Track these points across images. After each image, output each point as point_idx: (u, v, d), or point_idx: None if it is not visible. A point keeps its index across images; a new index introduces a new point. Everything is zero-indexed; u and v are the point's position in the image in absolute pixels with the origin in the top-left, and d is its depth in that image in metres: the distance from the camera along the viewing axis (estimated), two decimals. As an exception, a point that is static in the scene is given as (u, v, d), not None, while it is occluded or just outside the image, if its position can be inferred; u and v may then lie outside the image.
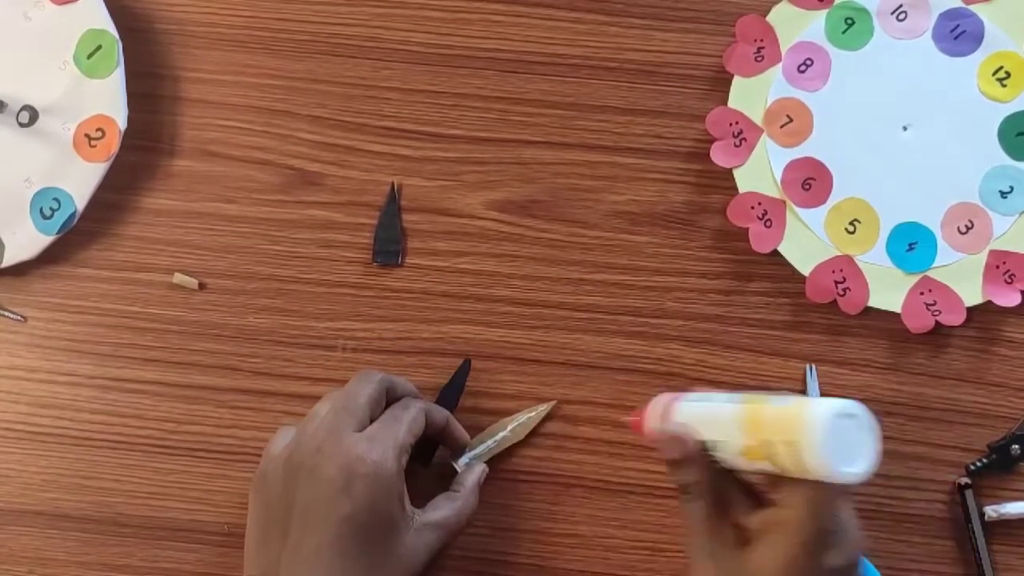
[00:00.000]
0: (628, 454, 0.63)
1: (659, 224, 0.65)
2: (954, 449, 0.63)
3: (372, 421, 0.56)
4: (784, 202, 0.64)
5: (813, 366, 0.64)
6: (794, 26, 0.65)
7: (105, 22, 0.65)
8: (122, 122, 0.64)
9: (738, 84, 0.65)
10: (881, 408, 0.63)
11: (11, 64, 0.66)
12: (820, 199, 0.64)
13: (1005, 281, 0.62)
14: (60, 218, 0.64)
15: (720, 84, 0.66)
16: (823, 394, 0.63)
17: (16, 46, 0.66)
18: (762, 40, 0.65)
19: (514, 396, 0.63)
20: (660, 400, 0.55)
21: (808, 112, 0.65)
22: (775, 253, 0.63)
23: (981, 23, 0.65)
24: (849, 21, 0.65)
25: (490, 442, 0.62)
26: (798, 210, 0.64)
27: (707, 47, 0.67)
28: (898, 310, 0.62)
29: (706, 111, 0.65)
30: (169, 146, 0.67)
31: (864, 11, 0.65)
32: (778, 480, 0.50)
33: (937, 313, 0.62)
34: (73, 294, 0.65)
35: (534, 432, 0.63)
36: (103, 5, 0.65)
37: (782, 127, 0.65)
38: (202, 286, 0.65)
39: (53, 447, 0.64)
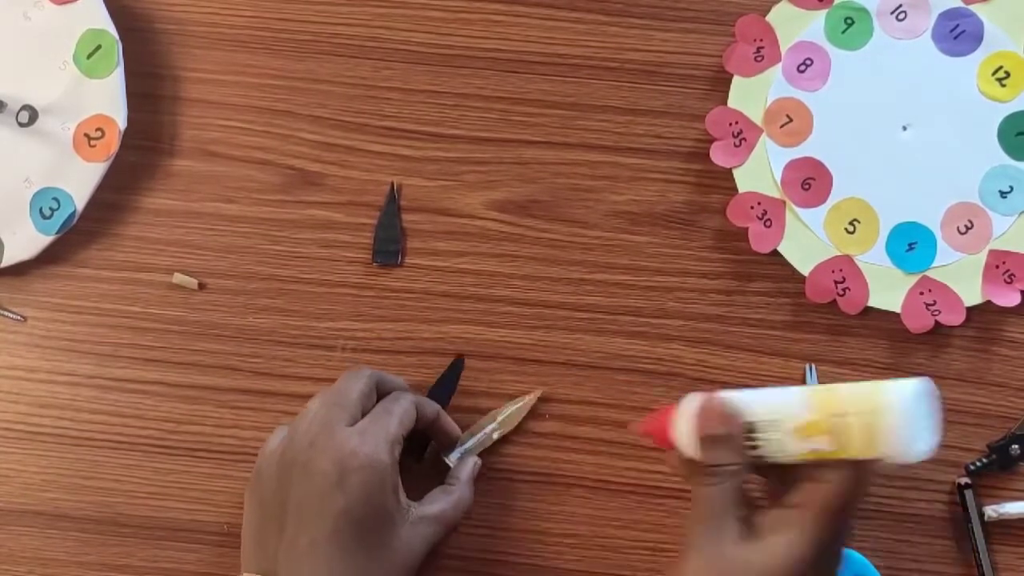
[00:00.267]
0: (628, 454, 0.63)
1: (659, 224, 0.65)
2: (954, 449, 0.63)
3: (364, 416, 0.56)
4: (784, 202, 0.64)
5: (813, 366, 0.64)
6: (794, 26, 0.65)
7: (105, 22, 0.65)
8: (122, 122, 0.64)
9: (738, 84, 0.65)
10: (881, 408, 0.63)
11: (11, 64, 0.66)
12: (820, 199, 0.64)
13: (1005, 281, 0.63)
14: (60, 218, 0.64)
15: (720, 84, 0.66)
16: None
17: (16, 46, 0.66)
18: (762, 40, 0.65)
19: (514, 396, 0.63)
20: (693, 397, 0.54)
21: (808, 112, 0.65)
22: (775, 253, 0.64)
23: (981, 23, 0.65)
24: (849, 21, 0.65)
25: (480, 435, 0.62)
26: (798, 210, 0.64)
27: (707, 47, 0.67)
28: (898, 310, 0.62)
29: (706, 111, 0.65)
30: (169, 146, 0.67)
31: (864, 11, 0.65)
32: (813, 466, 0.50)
33: (937, 313, 0.62)
34: (73, 294, 0.65)
35: (534, 432, 0.63)
36: (103, 5, 0.65)
37: (782, 127, 0.65)
38: (202, 286, 0.65)
39: (53, 447, 0.64)
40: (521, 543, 0.62)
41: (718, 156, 0.64)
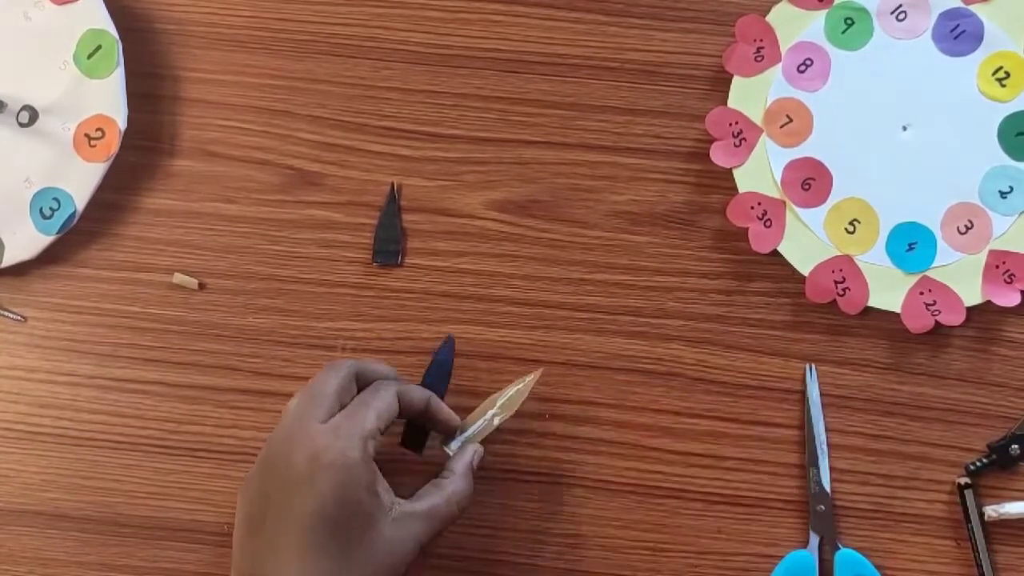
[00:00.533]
0: (628, 454, 0.63)
1: (659, 224, 0.65)
2: (954, 449, 0.63)
3: (343, 409, 0.55)
4: (784, 202, 0.64)
5: (813, 366, 0.64)
6: (794, 26, 0.65)
7: (105, 22, 0.65)
8: (122, 122, 0.64)
9: (738, 84, 0.65)
10: (881, 408, 0.63)
11: (11, 64, 0.66)
12: (820, 199, 0.64)
13: (1005, 281, 0.62)
14: (60, 218, 0.64)
15: (720, 84, 0.66)
16: (824, 394, 0.63)
17: (16, 46, 0.66)
18: (762, 40, 0.65)
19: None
20: None
21: (808, 112, 0.65)
22: (775, 253, 0.63)
23: (981, 23, 0.65)
24: (849, 21, 0.65)
25: (480, 422, 0.59)
26: (798, 210, 0.64)
27: (707, 47, 0.67)
28: (898, 310, 0.62)
29: (706, 111, 0.65)
30: (169, 146, 0.67)
31: (864, 11, 0.65)
32: None
33: (937, 313, 0.62)
34: (73, 294, 0.65)
35: (534, 432, 0.63)
36: (103, 5, 0.65)
37: (782, 127, 0.65)
38: (202, 286, 0.65)
39: (53, 447, 0.64)
40: (521, 543, 0.63)
41: (718, 156, 0.64)
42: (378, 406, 0.54)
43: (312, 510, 0.52)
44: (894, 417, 0.63)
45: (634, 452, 0.63)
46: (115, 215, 0.66)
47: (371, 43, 0.67)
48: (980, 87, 0.64)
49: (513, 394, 0.60)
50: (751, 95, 0.65)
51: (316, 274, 0.65)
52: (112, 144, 0.64)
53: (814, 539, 0.61)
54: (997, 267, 0.63)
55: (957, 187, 0.64)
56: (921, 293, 0.63)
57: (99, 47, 0.65)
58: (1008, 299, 0.62)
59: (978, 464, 0.62)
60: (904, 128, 0.64)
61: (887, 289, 0.63)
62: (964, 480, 0.62)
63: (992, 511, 0.61)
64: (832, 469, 0.62)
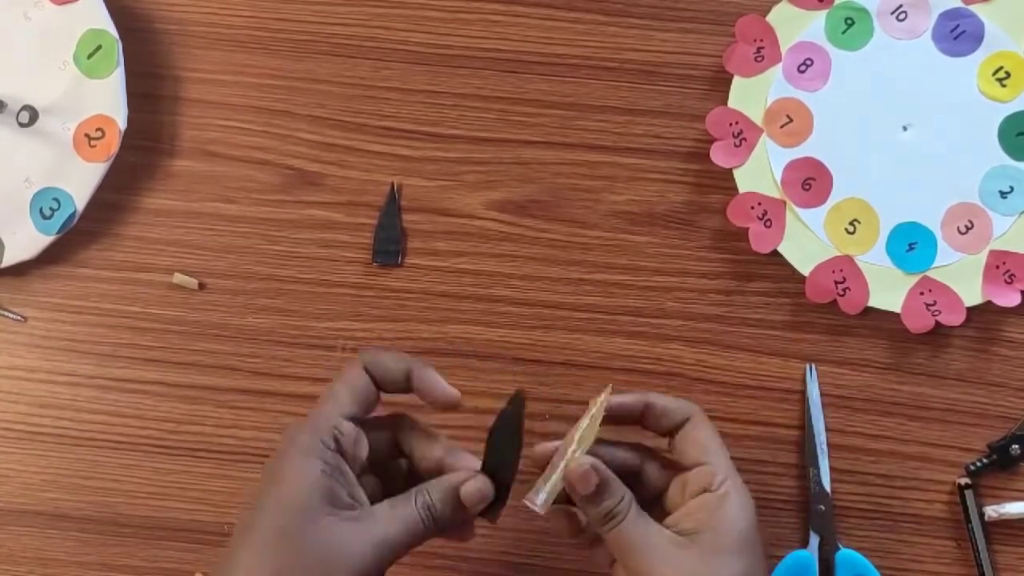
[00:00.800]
0: (628, 454, 0.63)
1: (659, 224, 0.65)
2: (954, 449, 0.63)
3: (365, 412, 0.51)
4: (784, 202, 0.64)
5: (813, 366, 0.64)
6: (794, 26, 0.65)
7: (105, 22, 0.65)
8: (122, 122, 0.64)
9: (738, 84, 0.65)
10: (881, 408, 0.63)
11: (11, 64, 0.66)
12: (820, 199, 0.64)
13: (1005, 281, 0.62)
14: (60, 218, 0.64)
15: (720, 84, 0.66)
16: (823, 394, 0.63)
17: (16, 46, 0.66)
18: (762, 40, 0.65)
19: (505, 396, 0.63)
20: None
21: (808, 112, 0.65)
22: (775, 253, 0.63)
23: (981, 23, 0.65)
24: (849, 21, 0.65)
25: (561, 465, 0.50)
26: (798, 210, 0.64)
27: (707, 47, 0.67)
28: (898, 310, 0.62)
29: (706, 111, 0.65)
30: (169, 146, 0.67)
31: (864, 11, 0.65)
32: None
33: (937, 313, 0.62)
34: (73, 294, 0.65)
35: (534, 432, 0.63)
36: (103, 5, 0.65)
37: (782, 127, 0.65)
38: (202, 286, 0.65)
39: (53, 447, 0.64)
40: (521, 543, 0.62)
41: (718, 156, 0.64)
42: (338, 389, 0.50)
43: (259, 504, 0.47)
44: (894, 417, 0.63)
45: (634, 452, 0.63)
46: (115, 215, 0.66)
47: (371, 43, 0.67)
48: (980, 87, 0.64)
49: (587, 425, 0.51)
50: (751, 95, 0.65)
51: (316, 274, 0.65)
52: (112, 144, 0.64)
53: (814, 539, 0.61)
54: (997, 267, 0.63)
55: (957, 187, 0.64)
56: (921, 293, 0.63)
57: (99, 47, 0.65)
58: (1008, 299, 0.62)
59: (978, 464, 0.62)
60: (904, 128, 0.64)
61: (887, 289, 0.63)
62: (964, 480, 0.62)
63: (992, 511, 0.61)
64: (832, 469, 0.62)
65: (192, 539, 0.63)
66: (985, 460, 0.62)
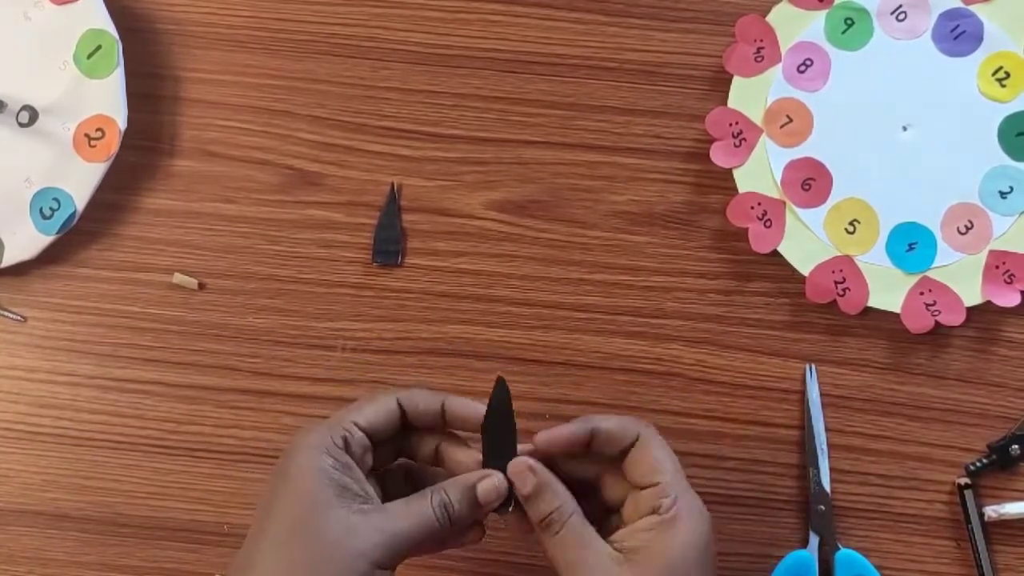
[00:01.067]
0: (628, 454, 0.63)
1: (659, 224, 0.65)
2: (954, 449, 0.63)
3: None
4: (784, 202, 0.64)
5: (813, 366, 0.64)
6: (794, 26, 0.65)
7: (105, 22, 0.65)
8: (122, 122, 0.64)
9: (738, 84, 0.65)
10: (881, 408, 0.63)
11: (11, 64, 0.66)
12: (820, 199, 0.64)
13: (1005, 281, 0.62)
14: (60, 218, 0.64)
15: (720, 84, 0.66)
16: (823, 394, 0.63)
17: (16, 46, 0.66)
18: (762, 40, 0.65)
19: (514, 396, 0.63)
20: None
21: (808, 112, 0.65)
22: (775, 253, 0.63)
23: (981, 23, 0.65)
24: (849, 21, 0.65)
25: None
26: (798, 210, 0.64)
27: (707, 47, 0.67)
28: (898, 310, 0.62)
29: (706, 111, 0.65)
30: (169, 146, 0.67)
31: (864, 11, 0.65)
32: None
33: (937, 313, 0.62)
34: (73, 294, 0.65)
35: (534, 432, 0.63)
36: (103, 5, 0.65)
37: (782, 127, 0.65)
38: (202, 286, 0.65)
39: (53, 447, 0.64)
40: (521, 543, 0.62)
41: (718, 156, 0.64)
42: (363, 404, 0.51)
43: (268, 501, 0.48)
44: (894, 417, 0.63)
45: (634, 452, 0.63)
46: (115, 215, 0.66)
47: (370, 43, 0.67)
48: (980, 87, 0.64)
49: None
50: (751, 95, 0.65)
51: (316, 274, 0.65)
52: (112, 144, 0.64)
53: (814, 539, 0.61)
54: (997, 267, 0.63)
55: (957, 187, 0.64)
56: (921, 293, 0.63)
57: (99, 47, 0.65)
58: (1008, 299, 0.62)
59: (978, 464, 0.62)
60: (904, 128, 0.64)
61: (887, 289, 0.63)
62: (964, 480, 0.62)
63: (992, 511, 0.61)
64: (832, 469, 0.62)
65: (192, 539, 0.63)
66: (985, 460, 0.62)
